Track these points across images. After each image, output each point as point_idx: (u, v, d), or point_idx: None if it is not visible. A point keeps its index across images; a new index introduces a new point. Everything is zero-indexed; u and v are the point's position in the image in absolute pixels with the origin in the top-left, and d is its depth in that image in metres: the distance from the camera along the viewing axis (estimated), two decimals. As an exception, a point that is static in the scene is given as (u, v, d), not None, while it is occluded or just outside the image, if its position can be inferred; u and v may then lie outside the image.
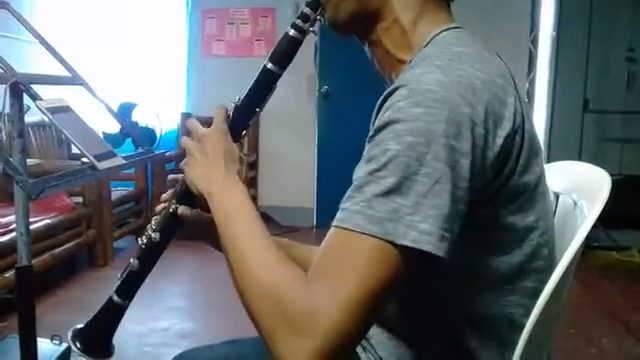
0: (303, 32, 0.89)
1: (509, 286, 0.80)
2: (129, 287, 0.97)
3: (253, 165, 4.79)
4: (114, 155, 1.55)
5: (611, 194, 0.84)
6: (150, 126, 4.05)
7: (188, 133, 0.93)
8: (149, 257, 0.96)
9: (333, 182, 4.82)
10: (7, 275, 2.68)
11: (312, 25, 0.89)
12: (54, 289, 3.21)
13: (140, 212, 4.37)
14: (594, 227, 0.81)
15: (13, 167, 1.32)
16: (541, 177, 0.80)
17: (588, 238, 0.80)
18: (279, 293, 0.67)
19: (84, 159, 1.50)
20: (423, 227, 0.65)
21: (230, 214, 0.81)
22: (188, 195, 0.91)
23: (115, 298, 0.97)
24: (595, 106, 4.56)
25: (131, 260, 0.96)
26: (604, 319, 2.99)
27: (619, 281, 3.63)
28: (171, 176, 0.98)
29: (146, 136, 3.81)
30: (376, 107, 0.75)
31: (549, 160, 1.02)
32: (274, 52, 0.90)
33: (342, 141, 4.56)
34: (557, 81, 4.55)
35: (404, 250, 0.65)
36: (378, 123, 0.70)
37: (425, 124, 0.67)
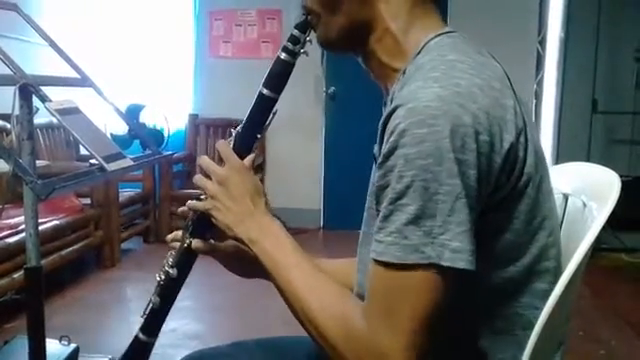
0: (294, 55, 0.90)
1: (521, 288, 0.80)
2: (153, 324, 0.99)
3: (260, 167, 4.78)
4: (122, 157, 1.55)
5: (620, 196, 0.84)
6: (158, 127, 4.07)
7: (200, 170, 0.92)
8: (168, 293, 0.97)
9: (340, 184, 4.86)
10: (16, 276, 2.69)
11: (302, 47, 0.90)
12: (62, 290, 3.22)
13: (147, 213, 4.38)
14: (602, 229, 0.80)
15: (23, 168, 1.33)
16: (545, 176, 0.80)
17: (597, 240, 0.80)
18: (346, 339, 0.72)
19: (93, 160, 1.51)
20: (455, 245, 0.67)
21: (277, 259, 0.84)
22: (200, 228, 0.93)
23: (141, 336, 0.99)
24: (604, 107, 4.53)
25: (152, 297, 0.97)
26: (613, 321, 2.97)
27: (628, 283, 3.62)
28: (181, 209, 0.97)
29: (154, 137, 3.82)
30: (379, 128, 0.76)
31: (558, 161, 1.01)
32: (268, 77, 0.91)
33: (349, 143, 4.56)
34: (565, 82, 4.52)
35: (444, 269, 0.67)
36: (385, 148, 0.70)
37: (431, 143, 0.67)
